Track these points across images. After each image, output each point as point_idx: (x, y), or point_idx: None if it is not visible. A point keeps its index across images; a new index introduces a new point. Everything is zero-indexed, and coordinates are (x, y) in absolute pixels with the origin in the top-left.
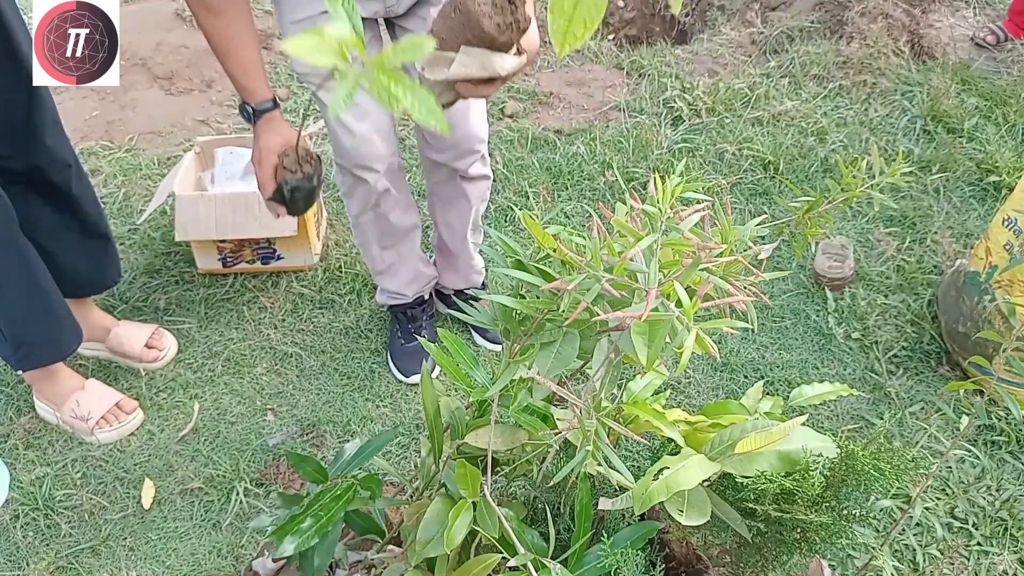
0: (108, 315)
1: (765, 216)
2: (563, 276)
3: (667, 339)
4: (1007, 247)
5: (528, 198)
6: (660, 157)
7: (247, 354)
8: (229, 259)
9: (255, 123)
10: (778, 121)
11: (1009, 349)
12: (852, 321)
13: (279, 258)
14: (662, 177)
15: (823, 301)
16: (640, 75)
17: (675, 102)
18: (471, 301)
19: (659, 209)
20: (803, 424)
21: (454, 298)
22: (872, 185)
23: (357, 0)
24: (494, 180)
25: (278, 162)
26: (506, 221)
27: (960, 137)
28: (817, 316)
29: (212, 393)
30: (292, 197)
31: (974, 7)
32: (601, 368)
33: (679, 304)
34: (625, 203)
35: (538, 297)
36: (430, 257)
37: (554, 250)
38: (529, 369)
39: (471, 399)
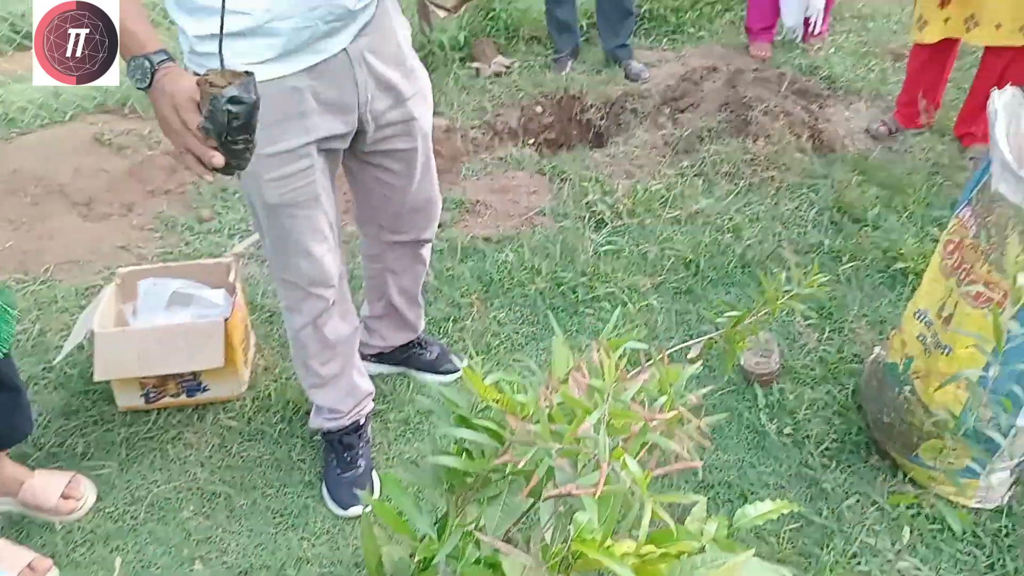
0: (20, 466)
1: (699, 363)
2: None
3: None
4: (920, 339)
5: (461, 309)
6: (587, 261)
7: (172, 497)
8: (152, 395)
9: (153, 77)
10: (695, 220)
11: (947, 448)
12: (783, 416)
13: (205, 390)
14: (607, 351)
15: (753, 398)
16: (562, 179)
17: (597, 205)
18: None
19: (604, 382)
20: (751, 547)
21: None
22: (792, 295)
23: (322, 115)
24: (426, 292)
25: (200, 91)
26: (439, 333)
27: (865, 226)
28: (749, 413)
29: (135, 544)
30: (231, 117)
31: (865, 100)
32: (551, 519)
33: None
34: (554, 311)
35: (483, 453)
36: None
37: (497, 401)
38: (477, 528)
39: (416, 556)
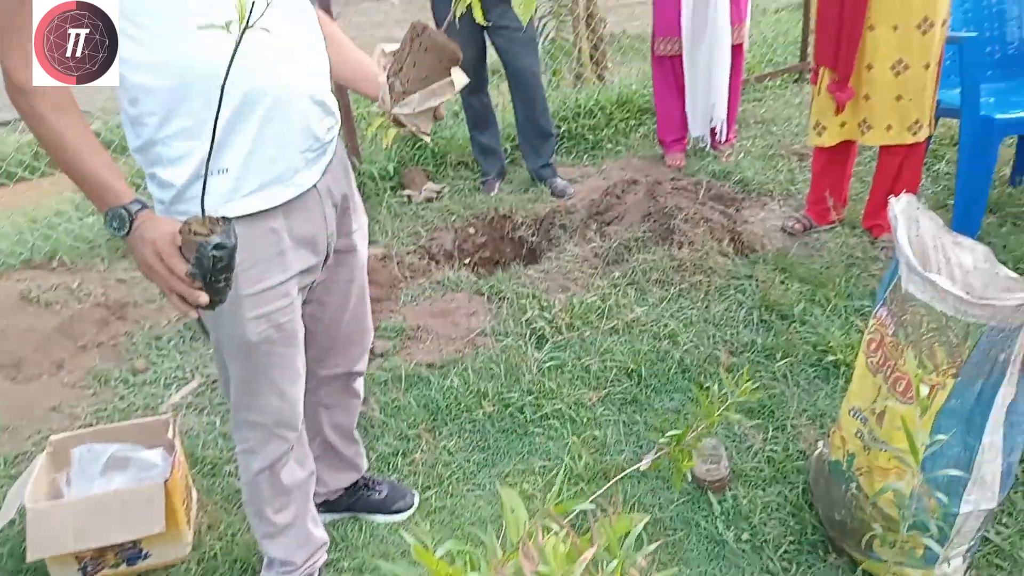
0: None
1: (647, 517)
2: None
3: None
4: (858, 435)
5: (409, 441)
6: (532, 379)
7: None
8: (90, 568)
9: (132, 224)
10: (632, 329)
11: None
12: (739, 522)
13: (146, 556)
14: (554, 519)
15: (709, 506)
16: (500, 298)
17: (537, 322)
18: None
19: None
20: None
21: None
22: (728, 405)
23: (296, 251)
24: (372, 426)
25: (182, 238)
26: (389, 469)
27: (794, 322)
28: (706, 522)
29: None
30: (215, 262)
31: (777, 200)
32: None
33: None
34: (503, 434)
35: None
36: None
37: None
38: None
39: None
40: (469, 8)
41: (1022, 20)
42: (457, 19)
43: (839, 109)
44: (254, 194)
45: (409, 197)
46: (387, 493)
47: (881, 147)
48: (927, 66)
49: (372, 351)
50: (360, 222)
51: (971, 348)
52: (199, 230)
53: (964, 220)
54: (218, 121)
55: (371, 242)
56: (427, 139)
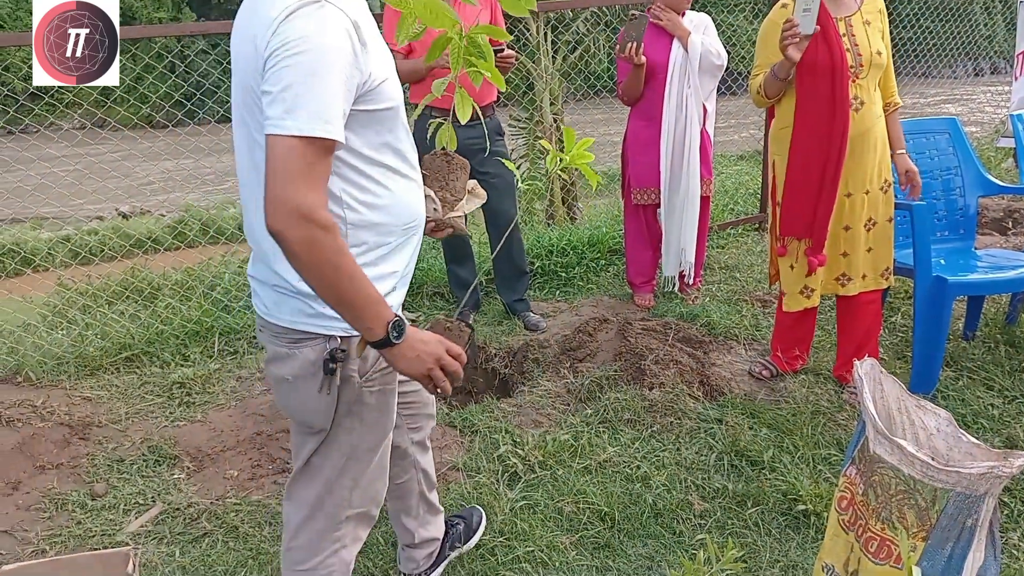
0: None
1: None
2: None
3: None
4: None
5: None
6: (504, 520)
7: None
8: None
9: (404, 334)
10: (605, 469)
11: None
12: None
13: None
14: None
15: None
16: (473, 432)
17: (509, 458)
18: None
19: None
20: None
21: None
22: (712, 574)
23: None
24: None
25: (447, 333)
26: None
27: (763, 469)
28: None
29: None
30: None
31: (743, 344)
32: None
33: None
34: None
35: None
36: None
37: None
38: None
39: None
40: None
41: (964, 190)
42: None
43: (810, 271)
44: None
45: None
46: (464, 519)
47: (841, 300)
48: (889, 220)
49: None
50: None
51: (939, 512)
52: (453, 327)
53: (923, 375)
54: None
55: None
56: (466, 233)
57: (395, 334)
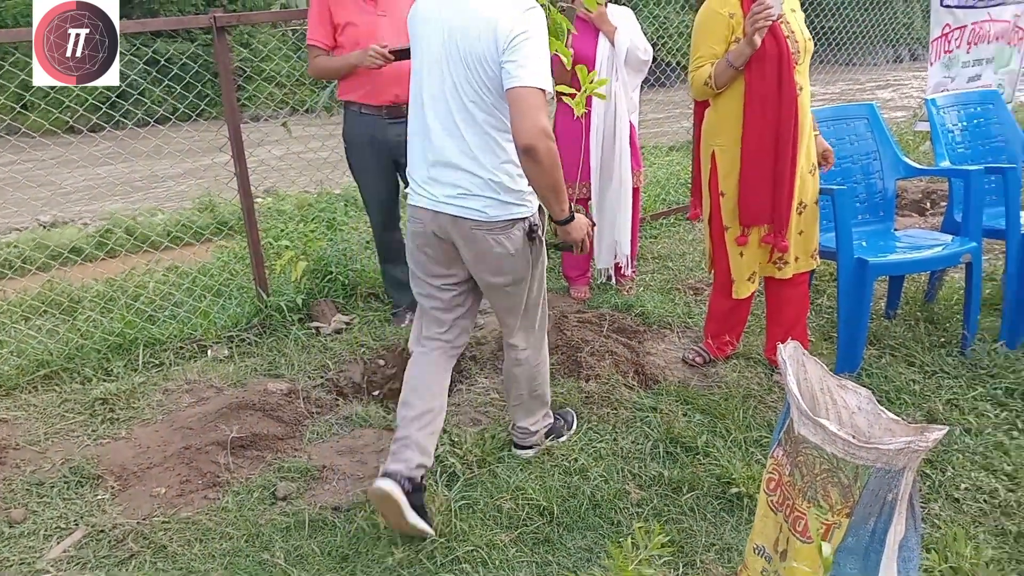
0: None
1: None
2: None
3: None
4: (764, 574)
5: None
6: (444, 521)
7: None
8: None
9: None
10: (543, 463)
11: None
12: None
13: None
14: None
15: None
16: None
17: (447, 458)
18: None
19: None
20: None
21: None
22: (641, 560)
23: None
24: None
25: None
26: None
27: (697, 454)
28: None
29: None
30: None
31: (677, 332)
32: None
33: None
34: None
35: None
36: None
37: None
38: None
39: None
40: (382, 147)
41: (883, 174)
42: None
43: (783, 252)
44: None
45: (318, 329)
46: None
47: (770, 283)
48: (816, 202)
49: (275, 494)
50: None
51: (861, 489)
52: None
53: (848, 354)
54: None
55: (276, 376)
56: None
57: (572, 213)
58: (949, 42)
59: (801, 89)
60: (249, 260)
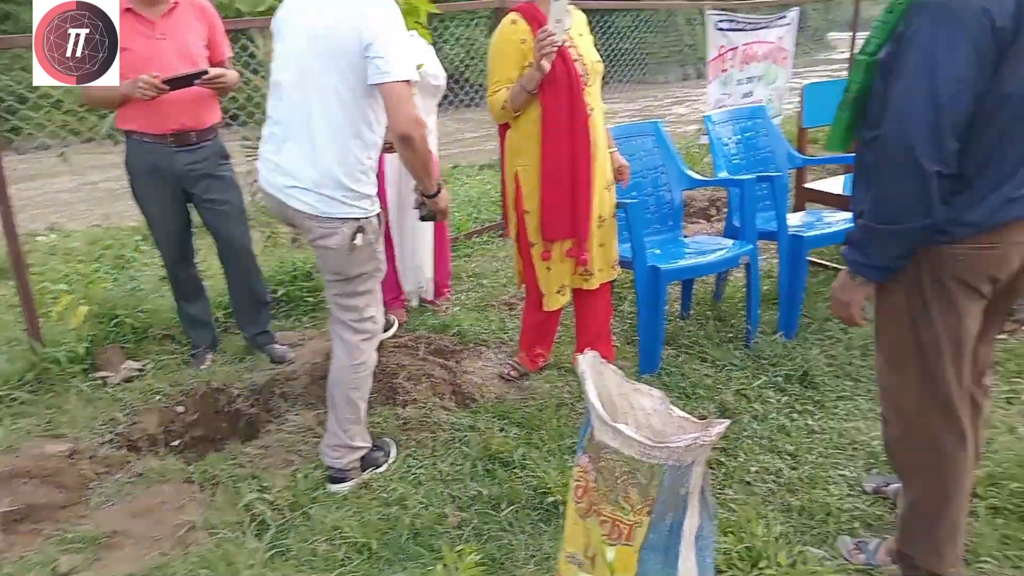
0: None
1: None
2: None
3: None
4: None
5: None
6: (253, 574)
7: None
8: None
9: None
10: (360, 497)
11: None
12: None
13: None
14: None
15: None
16: (214, 484)
17: (256, 506)
18: None
19: None
20: None
21: None
22: None
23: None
24: None
25: None
26: None
27: (515, 468)
28: None
29: None
30: None
31: (492, 348)
32: None
33: None
34: None
35: None
36: None
37: None
38: None
39: None
40: (168, 177)
41: (670, 186)
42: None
43: (584, 265)
44: None
45: (104, 380)
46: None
47: (578, 294)
48: (614, 215)
49: (56, 570)
50: None
51: (657, 487)
52: None
53: (649, 356)
54: None
55: (56, 437)
56: None
57: (439, 187)
58: (724, 62)
59: (592, 109)
60: (20, 308)
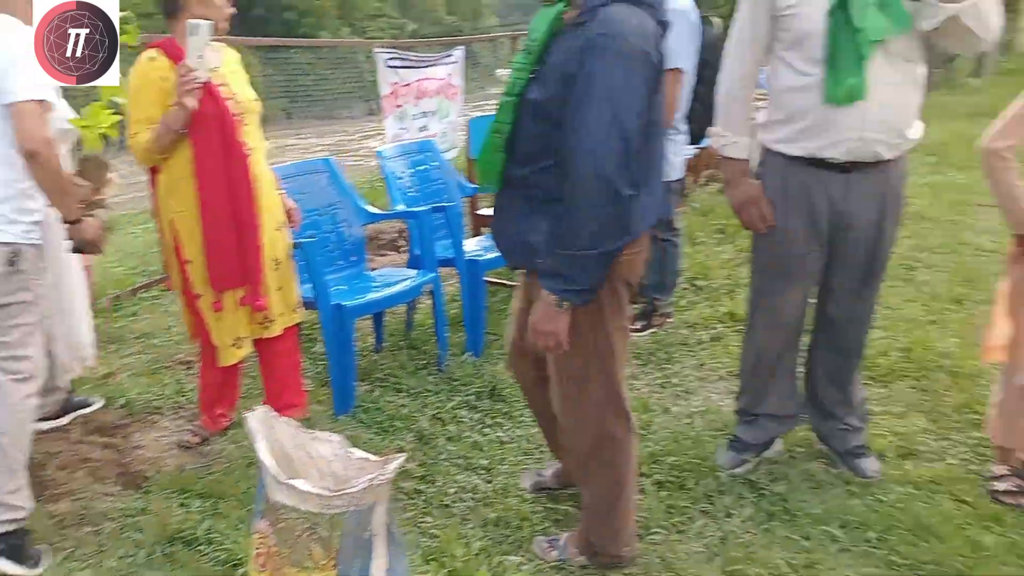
0: None
1: None
2: None
3: None
4: None
5: None
6: None
7: None
8: None
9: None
10: None
11: None
12: None
13: None
14: None
15: None
16: None
17: None
18: None
19: None
20: None
21: None
22: None
23: None
24: None
25: None
26: None
27: (200, 546)
28: None
29: None
30: None
31: (168, 416)
32: None
33: None
34: None
35: None
36: None
37: None
38: None
39: None
40: None
41: (349, 221)
42: None
43: (257, 310)
44: None
45: None
46: None
47: (260, 343)
48: (290, 257)
49: None
50: None
51: (340, 537)
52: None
53: (342, 395)
54: None
55: None
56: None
57: (80, 216)
58: (398, 98)
59: (252, 149)
60: None
